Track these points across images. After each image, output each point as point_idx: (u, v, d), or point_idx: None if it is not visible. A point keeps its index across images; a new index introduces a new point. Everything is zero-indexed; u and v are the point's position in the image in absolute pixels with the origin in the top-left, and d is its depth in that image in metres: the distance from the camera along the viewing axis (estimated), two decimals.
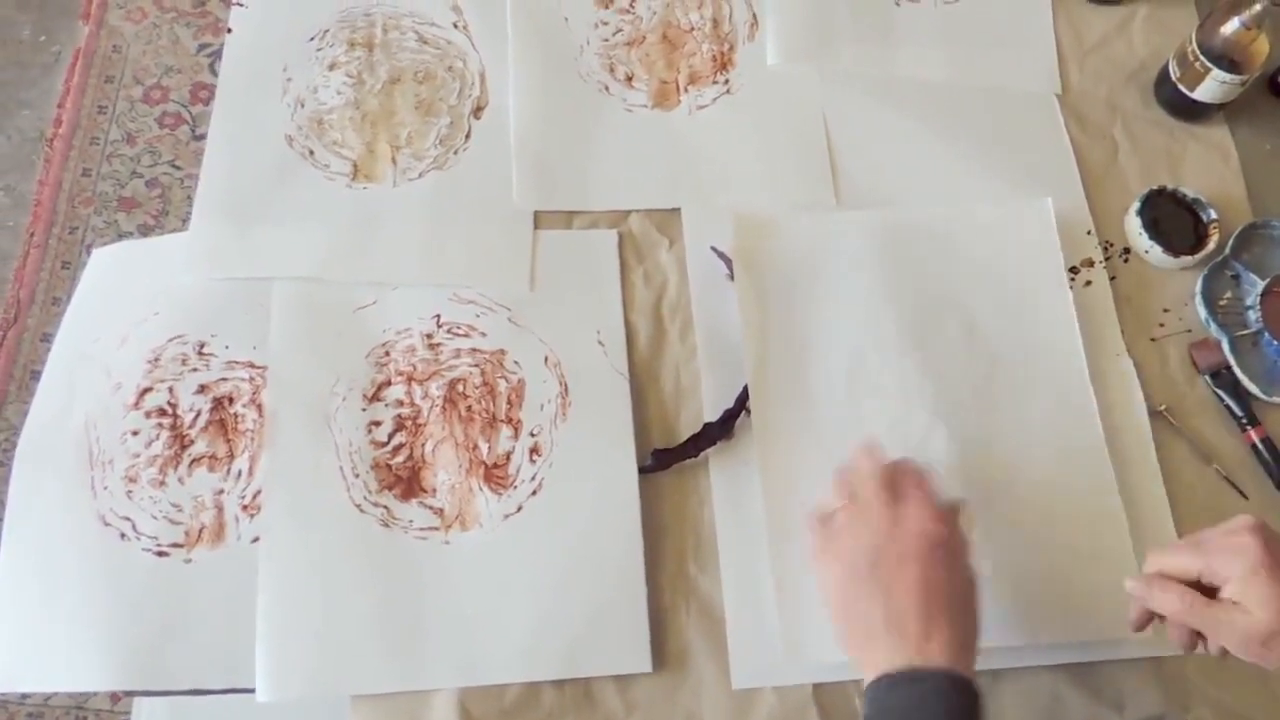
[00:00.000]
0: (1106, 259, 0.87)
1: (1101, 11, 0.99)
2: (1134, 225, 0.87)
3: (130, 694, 0.72)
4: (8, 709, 1.41)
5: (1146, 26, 0.98)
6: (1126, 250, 0.88)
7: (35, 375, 1.62)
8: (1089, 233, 0.88)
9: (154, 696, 0.73)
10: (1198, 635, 0.61)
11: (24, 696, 1.41)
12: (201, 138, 1.84)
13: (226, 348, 0.80)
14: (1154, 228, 0.86)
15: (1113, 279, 0.86)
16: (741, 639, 0.73)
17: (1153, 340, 0.84)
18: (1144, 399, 0.81)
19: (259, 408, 0.78)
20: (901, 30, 0.96)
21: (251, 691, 0.70)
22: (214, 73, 1.88)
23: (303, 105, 0.89)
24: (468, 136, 0.89)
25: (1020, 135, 0.92)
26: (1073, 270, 0.86)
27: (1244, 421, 0.80)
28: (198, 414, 0.78)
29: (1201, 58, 0.87)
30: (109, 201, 1.77)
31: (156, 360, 0.79)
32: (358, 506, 0.75)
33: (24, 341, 1.66)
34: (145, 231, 1.75)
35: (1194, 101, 0.90)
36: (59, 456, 0.76)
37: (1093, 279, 0.86)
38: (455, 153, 0.88)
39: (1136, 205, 0.87)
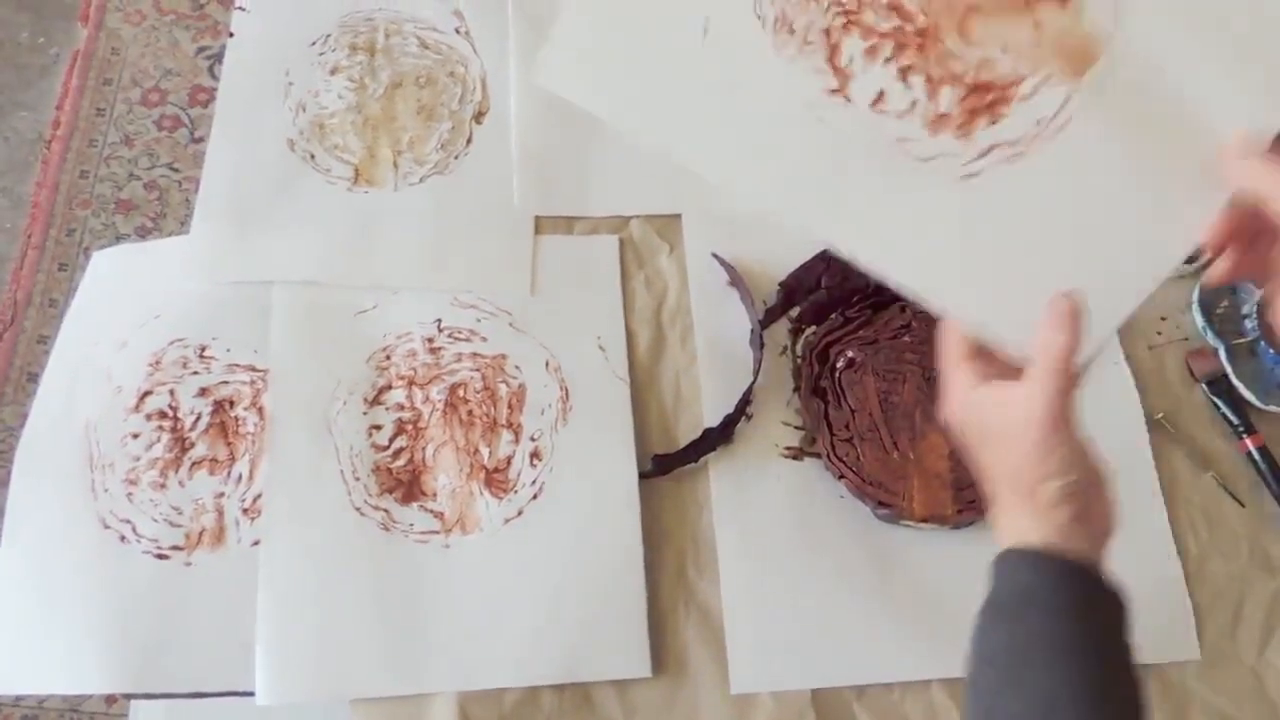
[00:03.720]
0: None
1: None
2: None
3: (129, 697, 0.72)
4: (2, 711, 1.40)
5: None
6: None
7: (32, 377, 1.62)
8: None
9: (153, 699, 0.73)
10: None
11: (18, 699, 1.41)
12: (200, 141, 1.84)
13: (228, 351, 0.80)
14: None
15: None
16: (740, 644, 0.73)
17: (1150, 348, 0.85)
18: (1141, 406, 0.81)
19: (260, 411, 0.78)
20: None
21: (251, 695, 0.70)
22: (213, 76, 1.88)
23: (304, 109, 0.90)
24: (469, 141, 0.89)
25: None
26: None
27: (1241, 429, 0.81)
28: (198, 417, 0.78)
29: None
30: (107, 204, 1.77)
31: (157, 363, 0.79)
32: (358, 510, 0.75)
33: (20, 343, 1.65)
34: (143, 234, 1.75)
35: None
36: (59, 459, 0.76)
37: None
38: (456, 158, 0.88)
39: None
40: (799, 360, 0.82)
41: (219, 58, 1.99)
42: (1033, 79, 0.52)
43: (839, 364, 0.81)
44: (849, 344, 0.81)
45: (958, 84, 0.52)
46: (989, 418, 0.52)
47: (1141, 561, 0.76)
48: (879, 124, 0.53)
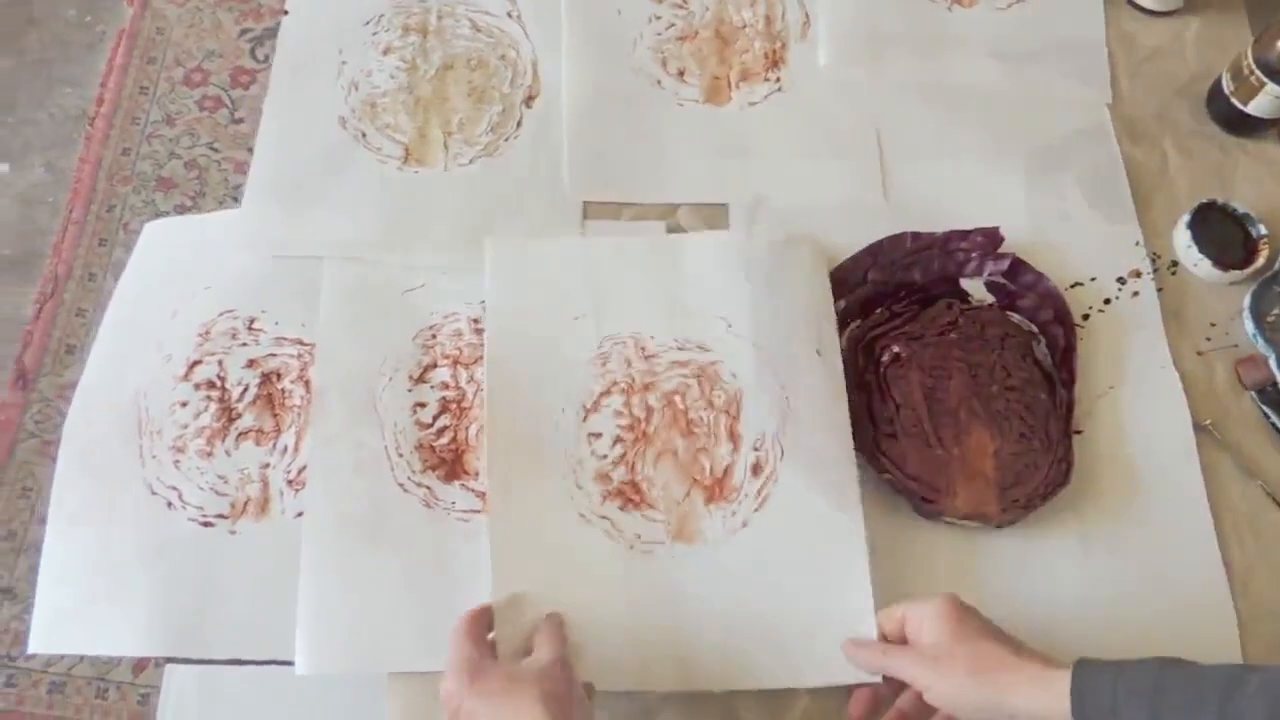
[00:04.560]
0: (1154, 271, 0.86)
1: (1154, 23, 0.99)
2: (1183, 238, 0.86)
3: (171, 660, 0.73)
4: (31, 676, 1.42)
5: (1199, 39, 0.98)
6: (1174, 263, 0.87)
7: (70, 349, 1.64)
8: (1137, 244, 0.87)
9: (192, 664, 0.74)
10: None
11: (48, 665, 1.42)
12: (240, 121, 1.85)
13: (276, 324, 0.80)
14: (1203, 241, 0.86)
15: (1160, 291, 0.86)
16: None
17: (1199, 354, 0.84)
18: (1189, 413, 0.81)
19: (306, 384, 0.78)
20: (953, 36, 0.96)
21: (290, 664, 0.70)
22: (254, 58, 1.90)
23: (356, 88, 0.90)
24: (519, 125, 0.90)
25: (1070, 144, 0.92)
26: (1120, 281, 0.86)
27: None
28: (246, 388, 0.78)
29: (1257, 72, 0.87)
30: (147, 181, 1.79)
31: (207, 334, 0.80)
32: (401, 486, 0.75)
33: (60, 316, 1.67)
34: (181, 211, 1.77)
35: (1247, 116, 0.90)
36: (109, 424, 0.77)
37: (1140, 290, 0.86)
38: (506, 140, 0.89)
39: (1186, 218, 0.87)
40: (844, 354, 0.81)
41: (260, 40, 2.01)
42: (666, 515, 0.74)
43: (884, 358, 0.80)
44: (895, 339, 0.81)
45: (630, 474, 0.75)
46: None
47: (1186, 569, 0.76)
48: (585, 448, 0.75)
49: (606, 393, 0.77)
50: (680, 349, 0.79)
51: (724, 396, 0.77)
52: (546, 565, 0.72)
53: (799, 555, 0.73)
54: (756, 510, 0.74)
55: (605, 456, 0.75)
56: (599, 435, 0.76)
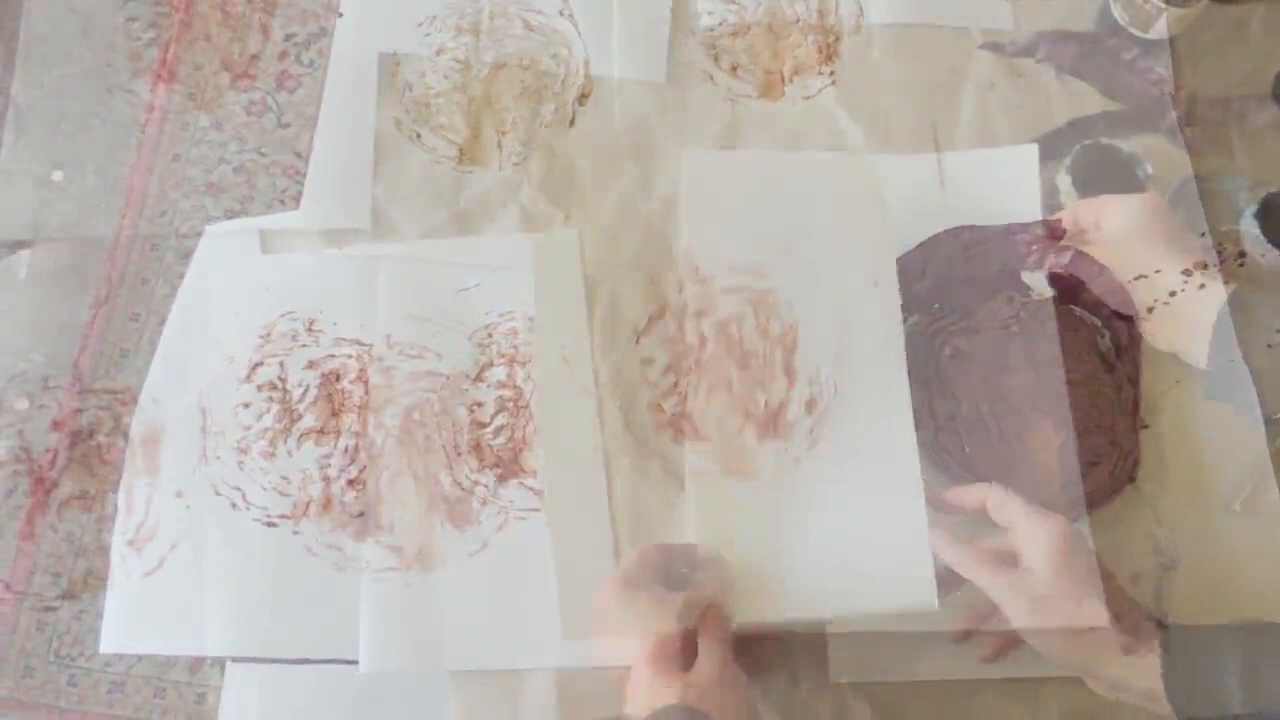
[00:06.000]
0: (1220, 262, 0.85)
1: (1218, 10, 0.97)
2: (1250, 229, 0.84)
3: (238, 660, 0.74)
4: (92, 676, 1.44)
5: (1265, 27, 0.96)
6: (1241, 254, 0.85)
7: (124, 353, 1.65)
8: (1203, 235, 0.86)
9: (255, 663, 0.74)
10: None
11: (106, 665, 1.44)
12: (286, 126, 1.87)
13: (335, 325, 0.81)
14: (1271, 232, 0.84)
15: (1226, 283, 0.84)
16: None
17: (1269, 347, 0.82)
18: (1260, 406, 0.79)
19: (365, 385, 0.79)
20: (1008, 27, 0.95)
21: (354, 663, 0.71)
22: (299, 62, 1.91)
23: (410, 89, 0.91)
24: (571, 123, 0.89)
25: (1131, 135, 0.90)
26: (1185, 273, 0.84)
27: None
28: (306, 389, 0.79)
29: None
30: (197, 186, 1.80)
31: (268, 335, 0.81)
32: (459, 485, 0.75)
33: (114, 320, 1.70)
34: (231, 216, 1.78)
35: None
36: (173, 425, 0.79)
37: (1205, 282, 0.84)
38: (559, 139, 0.89)
39: (1253, 209, 0.85)
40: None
41: (305, 45, 2.03)
42: (718, 449, 0.73)
43: (944, 353, 0.79)
44: (954, 334, 0.80)
45: (682, 405, 0.74)
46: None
47: (1259, 564, 0.75)
48: (637, 373, 0.77)
49: (659, 316, 0.77)
50: (733, 272, 0.78)
51: (779, 327, 0.76)
52: (602, 514, 0.73)
53: (854, 496, 0.72)
54: (810, 448, 0.73)
55: (657, 385, 0.75)
56: (651, 361, 0.76)
